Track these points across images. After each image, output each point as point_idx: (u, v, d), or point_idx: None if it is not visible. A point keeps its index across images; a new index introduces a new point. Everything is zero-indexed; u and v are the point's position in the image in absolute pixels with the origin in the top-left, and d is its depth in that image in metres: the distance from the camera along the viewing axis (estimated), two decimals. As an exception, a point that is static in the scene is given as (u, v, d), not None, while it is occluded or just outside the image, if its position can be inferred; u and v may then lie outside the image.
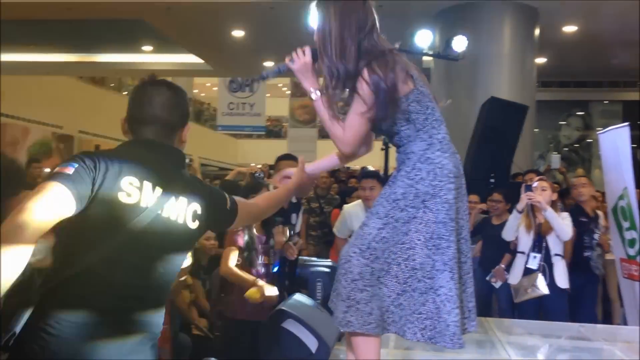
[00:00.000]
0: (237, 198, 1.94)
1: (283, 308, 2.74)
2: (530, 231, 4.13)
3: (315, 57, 2.03)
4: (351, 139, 2.00)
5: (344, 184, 7.91)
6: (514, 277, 4.22)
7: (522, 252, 4.22)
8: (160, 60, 13.58)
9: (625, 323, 4.76)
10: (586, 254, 4.74)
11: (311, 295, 3.02)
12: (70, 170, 1.50)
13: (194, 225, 1.71)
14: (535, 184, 4.18)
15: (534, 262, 4.06)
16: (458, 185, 1.96)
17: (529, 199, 4.07)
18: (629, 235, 4.39)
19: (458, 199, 1.96)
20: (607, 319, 6.40)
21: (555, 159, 8.03)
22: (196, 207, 1.71)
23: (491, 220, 5.34)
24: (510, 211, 5.38)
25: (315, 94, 2.05)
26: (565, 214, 4.27)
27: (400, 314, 1.92)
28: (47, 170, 8.07)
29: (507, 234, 4.36)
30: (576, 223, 4.40)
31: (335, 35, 1.97)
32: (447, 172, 1.93)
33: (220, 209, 1.85)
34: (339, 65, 1.96)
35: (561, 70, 12.82)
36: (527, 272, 4.16)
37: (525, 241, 4.17)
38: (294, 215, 3.73)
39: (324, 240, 6.25)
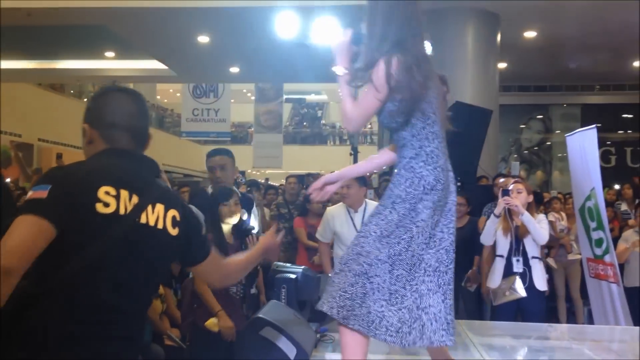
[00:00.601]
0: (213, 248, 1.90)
1: (260, 316, 2.72)
2: (508, 234, 4.15)
3: (355, 42, 2.18)
4: (356, 117, 2.12)
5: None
6: (494, 280, 4.25)
7: (501, 256, 4.23)
8: (123, 67, 13.39)
9: (591, 322, 4.87)
10: None
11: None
12: (44, 194, 1.46)
13: (174, 231, 1.68)
14: (511, 187, 4.20)
15: (518, 265, 4.08)
16: (438, 198, 2.06)
17: (506, 203, 4.08)
18: (596, 235, 4.48)
19: (436, 211, 2.06)
20: (571, 319, 6.58)
21: (514, 166, 8.19)
22: (175, 213, 1.69)
23: None
24: (470, 214, 5.48)
25: (341, 71, 2.18)
26: (542, 217, 4.31)
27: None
28: (8, 180, 7.85)
29: (486, 239, 4.38)
30: None
31: (380, 24, 2.14)
32: (425, 183, 2.05)
33: (195, 232, 1.80)
34: (370, 49, 2.13)
35: (521, 75, 13.09)
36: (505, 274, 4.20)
37: (503, 245, 4.18)
38: (242, 211, 3.64)
39: (294, 246, 6.23)
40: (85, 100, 19.23)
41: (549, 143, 16.15)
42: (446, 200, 2.10)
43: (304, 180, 10.61)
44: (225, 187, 3.63)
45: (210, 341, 3.24)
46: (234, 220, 3.44)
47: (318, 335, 3.06)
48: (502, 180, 4.88)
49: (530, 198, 4.19)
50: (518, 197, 4.12)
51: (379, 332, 1.98)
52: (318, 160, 22.39)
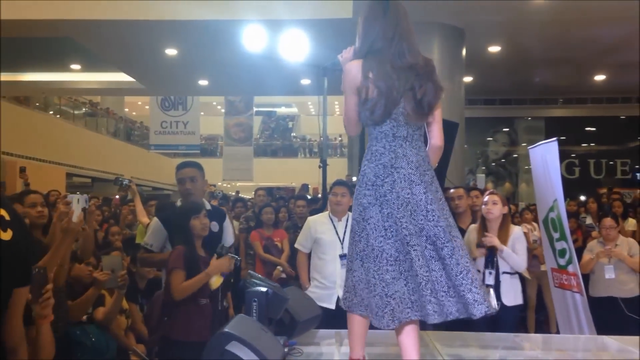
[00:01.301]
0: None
1: (226, 330, 2.69)
2: (482, 249, 4.14)
3: (356, 56, 2.39)
4: (345, 122, 2.40)
5: (283, 201, 7.90)
6: None
7: (478, 270, 4.24)
8: (90, 79, 13.23)
9: (558, 332, 4.94)
10: None
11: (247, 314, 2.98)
12: None
13: (6, 235, 1.63)
14: (486, 198, 4.22)
15: (490, 278, 4.06)
16: (381, 193, 2.27)
17: (488, 244, 4.07)
18: (559, 245, 4.55)
19: (384, 205, 2.26)
20: (542, 328, 6.66)
21: (480, 179, 8.30)
22: (4, 213, 1.64)
23: None
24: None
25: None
26: (518, 229, 4.25)
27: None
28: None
29: None
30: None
31: (359, 34, 2.41)
32: (366, 179, 2.31)
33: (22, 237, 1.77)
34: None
35: (486, 89, 13.34)
36: None
37: (479, 259, 4.15)
38: (214, 224, 3.66)
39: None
40: (51, 113, 18.92)
41: (515, 155, 16.46)
42: (397, 195, 2.24)
43: (273, 192, 10.61)
44: (195, 200, 3.60)
45: (184, 353, 3.21)
46: (204, 233, 3.43)
47: (286, 349, 3.04)
48: (452, 190, 4.85)
49: (506, 209, 4.19)
50: (493, 208, 4.13)
51: (371, 316, 2.27)
52: (288, 173, 22.39)
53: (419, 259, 2.20)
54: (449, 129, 7.22)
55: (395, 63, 2.31)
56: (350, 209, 4.36)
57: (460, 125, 7.71)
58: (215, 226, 3.67)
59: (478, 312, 2.18)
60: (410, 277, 2.23)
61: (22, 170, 8.05)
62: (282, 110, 31.04)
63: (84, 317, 3.56)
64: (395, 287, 2.21)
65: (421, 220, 2.25)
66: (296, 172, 21.14)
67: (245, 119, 19.15)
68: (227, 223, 3.87)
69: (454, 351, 3.44)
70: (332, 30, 8.27)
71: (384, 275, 2.22)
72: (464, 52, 9.04)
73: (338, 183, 4.58)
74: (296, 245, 4.63)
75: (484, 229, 4.19)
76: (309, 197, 9.46)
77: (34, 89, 14.93)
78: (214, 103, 26.06)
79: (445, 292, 2.21)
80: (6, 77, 13.03)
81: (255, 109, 20.75)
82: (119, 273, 3.56)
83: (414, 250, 2.21)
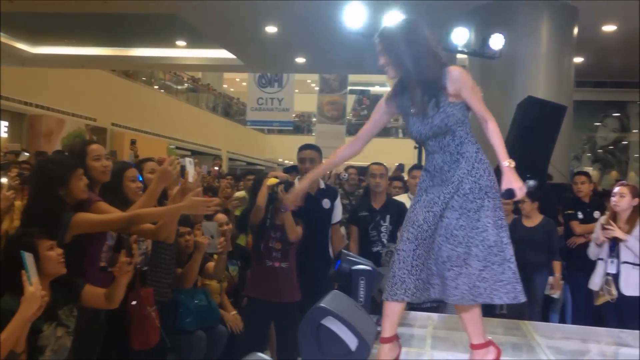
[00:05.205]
0: None
1: (322, 305, 2.71)
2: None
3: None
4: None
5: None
6: (594, 282, 4.43)
7: (601, 259, 4.38)
8: (193, 55, 13.68)
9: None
10: None
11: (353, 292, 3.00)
12: None
13: None
14: (616, 190, 4.27)
15: (612, 267, 4.22)
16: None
17: (606, 237, 4.24)
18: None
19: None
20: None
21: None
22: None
23: (522, 221, 5.26)
24: (542, 213, 5.32)
25: None
26: None
27: (485, 285, 2.36)
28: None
29: (591, 255, 4.57)
30: None
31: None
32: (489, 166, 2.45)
33: None
34: None
35: (598, 70, 12.57)
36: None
37: (604, 248, 4.35)
38: (326, 201, 4.10)
39: None
40: (156, 87, 19.83)
41: (625, 142, 15.44)
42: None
43: (365, 171, 10.56)
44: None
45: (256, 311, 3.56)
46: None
47: (379, 328, 3.04)
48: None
49: (636, 201, 4.26)
50: (621, 200, 4.20)
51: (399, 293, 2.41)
52: (381, 152, 22.20)
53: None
54: (555, 112, 6.90)
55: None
56: None
57: (567, 108, 7.32)
58: (327, 203, 4.05)
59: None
60: (443, 272, 2.45)
61: (133, 142, 8.50)
62: (376, 89, 30.78)
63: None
64: (436, 280, 2.50)
65: None
66: (388, 152, 20.92)
67: (339, 97, 19.21)
68: (338, 202, 4.20)
69: (554, 343, 3.33)
70: (432, 8, 8.08)
71: (432, 267, 2.46)
72: (575, 31, 8.54)
73: (416, 167, 4.85)
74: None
75: (613, 219, 4.28)
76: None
77: (141, 64, 15.65)
78: (308, 81, 26.25)
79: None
80: (116, 51, 13.73)
81: (349, 88, 20.72)
82: (217, 239, 3.71)
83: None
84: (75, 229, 2.72)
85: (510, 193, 2.39)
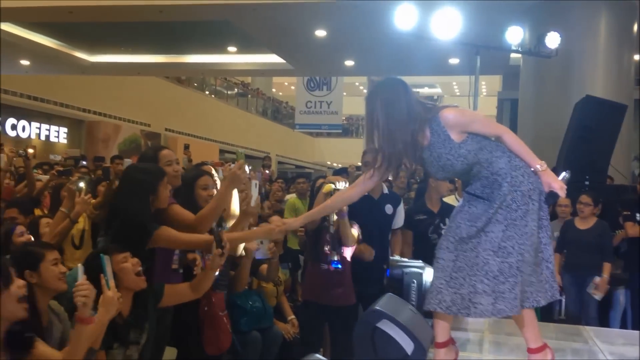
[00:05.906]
0: None
1: (377, 308, 2.71)
2: None
3: None
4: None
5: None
6: None
7: None
8: (243, 61, 13.86)
9: None
10: None
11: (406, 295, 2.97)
12: None
13: None
14: None
15: None
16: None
17: None
18: None
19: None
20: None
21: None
22: None
23: (574, 222, 5.11)
24: (599, 216, 5.13)
25: None
26: None
27: (531, 289, 2.37)
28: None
29: None
30: None
31: None
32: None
33: None
34: None
35: (660, 68, 12.07)
36: None
37: None
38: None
39: None
40: (207, 93, 20.21)
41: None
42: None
43: (414, 173, 10.47)
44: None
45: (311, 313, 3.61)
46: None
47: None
48: None
49: None
50: None
51: (433, 302, 2.39)
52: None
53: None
54: (615, 112, 6.68)
55: None
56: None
57: (628, 107, 7.08)
58: (389, 209, 4.00)
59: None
60: (498, 295, 2.41)
61: (186, 147, 8.71)
62: (425, 90, 30.48)
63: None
64: (481, 300, 2.42)
65: None
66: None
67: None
68: (401, 207, 4.13)
69: (616, 349, 3.22)
70: (485, 7, 7.95)
71: (477, 285, 2.42)
72: (635, 27, 8.24)
73: None
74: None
75: None
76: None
77: (193, 70, 15.97)
78: (357, 83, 26.22)
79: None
80: (170, 58, 14.07)
81: (398, 90, 20.55)
82: (267, 245, 3.71)
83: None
84: (155, 242, 2.72)
85: (553, 195, 2.35)
